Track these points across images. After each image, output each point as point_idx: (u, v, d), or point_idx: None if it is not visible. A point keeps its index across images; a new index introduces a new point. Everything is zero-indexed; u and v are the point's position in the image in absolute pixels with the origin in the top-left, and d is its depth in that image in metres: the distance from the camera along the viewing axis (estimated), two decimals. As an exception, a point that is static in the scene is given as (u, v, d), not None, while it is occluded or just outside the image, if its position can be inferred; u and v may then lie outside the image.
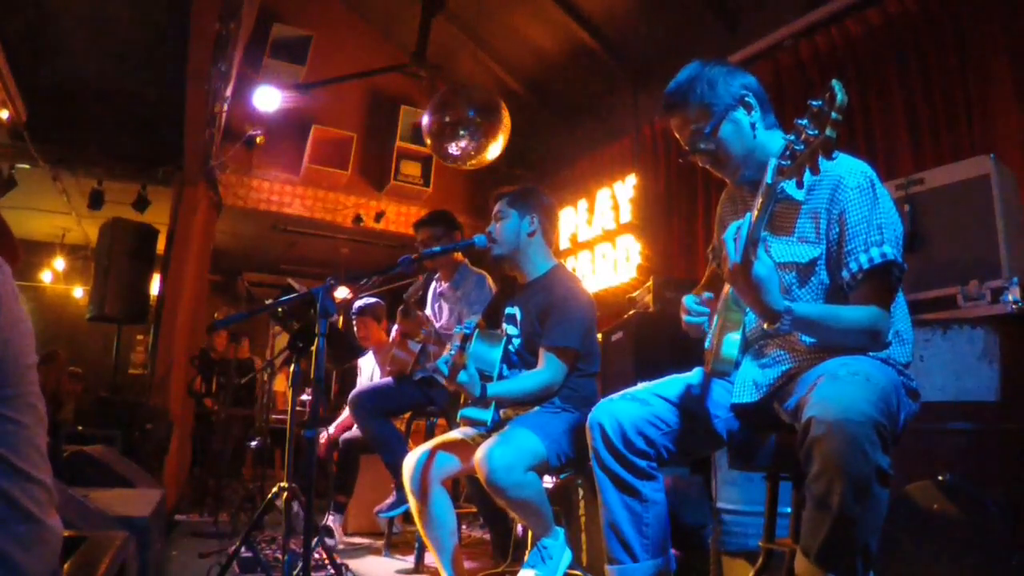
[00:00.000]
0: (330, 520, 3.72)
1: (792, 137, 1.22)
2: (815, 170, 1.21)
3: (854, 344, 1.42)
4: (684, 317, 1.66)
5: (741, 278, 1.29)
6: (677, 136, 1.67)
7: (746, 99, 1.58)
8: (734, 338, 1.50)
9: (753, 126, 1.59)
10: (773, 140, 1.57)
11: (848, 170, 1.49)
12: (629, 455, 1.53)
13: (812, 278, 1.52)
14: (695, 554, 2.25)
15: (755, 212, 1.27)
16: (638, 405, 1.58)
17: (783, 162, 1.23)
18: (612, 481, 1.55)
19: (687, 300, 1.67)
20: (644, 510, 1.53)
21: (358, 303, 4.27)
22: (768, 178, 1.25)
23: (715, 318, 1.61)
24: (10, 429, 1.04)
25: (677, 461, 1.64)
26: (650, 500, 1.54)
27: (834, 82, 1.18)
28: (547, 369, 2.23)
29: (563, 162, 6.06)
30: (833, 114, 1.16)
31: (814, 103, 1.19)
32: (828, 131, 1.16)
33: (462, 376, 2.02)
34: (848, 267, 1.45)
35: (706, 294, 1.66)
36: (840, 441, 1.19)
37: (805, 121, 1.20)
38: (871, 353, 1.45)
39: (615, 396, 1.64)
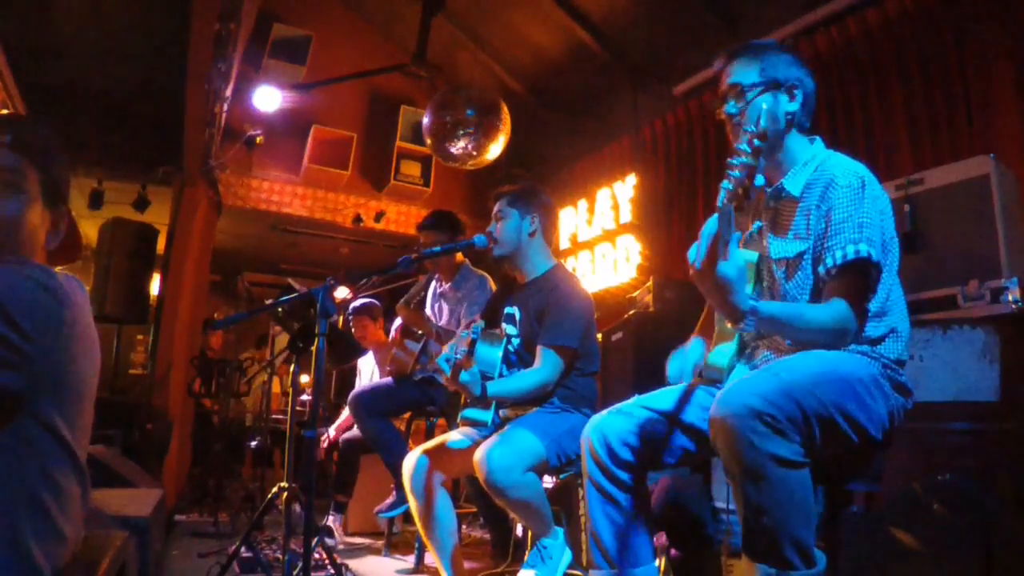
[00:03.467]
0: (330, 520, 3.72)
1: (735, 160, 1.30)
2: (747, 197, 1.30)
3: (822, 343, 1.44)
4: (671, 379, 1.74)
5: (708, 278, 1.28)
6: (725, 86, 1.67)
7: (795, 89, 1.61)
8: (725, 349, 1.54)
9: (789, 118, 1.60)
10: (799, 145, 1.63)
11: (842, 170, 1.52)
12: (613, 467, 1.56)
13: (799, 273, 1.54)
14: (695, 554, 2.25)
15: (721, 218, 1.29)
16: (623, 418, 1.61)
17: (730, 186, 1.29)
18: (597, 491, 1.58)
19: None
20: (624, 521, 1.55)
21: (354, 303, 4.28)
22: (719, 202, 1.28)
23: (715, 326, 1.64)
24: (59, 449, 1.07)
25: (671, 468, 1.65)
26: (631, 512, 1.56)
27: (762, 112, 1.37)
28: (544, 367, 2.23)
29: (563, 162, 6.06)
30: (756, 141, 1.31)
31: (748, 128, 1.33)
32: (751, 160, 1.29)
33: (464, 376, 2.02)
34: (824, 262, 1.48)
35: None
36: (725, 436, 1.27)
37: (744, 145, 1.31)
38: (855, 345, 1.48)
39: (604, 412, 1.67)
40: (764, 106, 1.56)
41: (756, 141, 1.27)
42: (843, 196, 1.48)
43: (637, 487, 1.58)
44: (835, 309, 1.42)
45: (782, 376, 1.32)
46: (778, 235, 1.59)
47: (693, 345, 1.79)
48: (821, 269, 1.48)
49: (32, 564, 1.02)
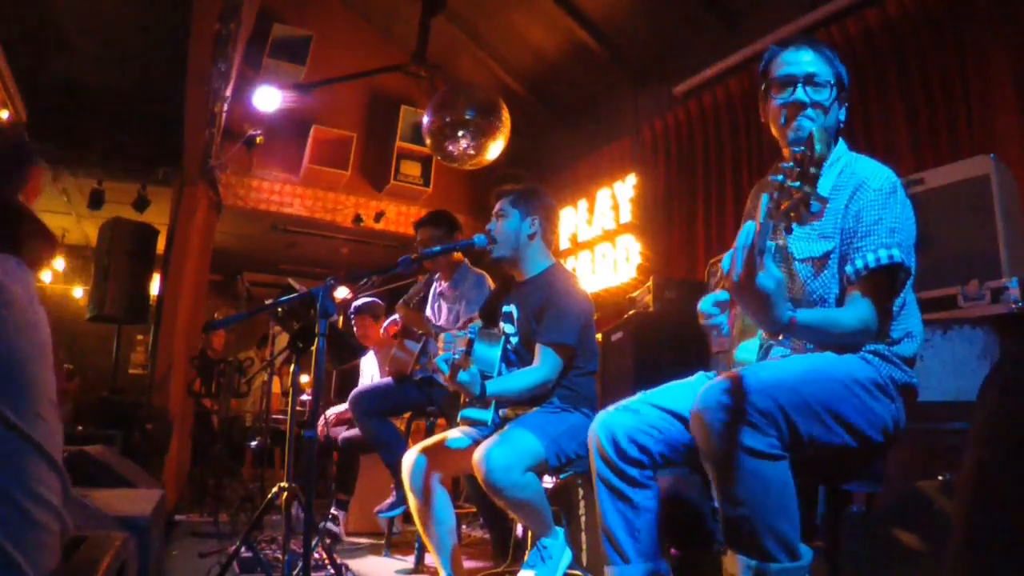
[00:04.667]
0: (330, 521, 3.72)
1: (780, 178, 1.23)
2: (800, 221, 1.24)
3: (849, 344, 1.47)
4: (701, 322, 1.70)
5: (747, 291, 1.26)
6: (798, 65, 1.63)
7: (847, 100, 1.65)
8: (751, 344, 1.54)
9: (839, 122, 1.64)
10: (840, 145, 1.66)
11: (873, 173, 1.54)
12: (621, 464, 1.58)
13: (825, 272, 1.55)
14: (695, 553, 2.25)
15: (758, 224, 1.26)
16: (630, 415, 1.62)
17: (771, 205, 1.24)
18: (606, 487, 1.60)
19: (701, 305, 1.70)
20: (635, 516, 1.57)
21: (356, 303, 4.28)
22: (761, 216, 1.26)
23: (736, 322, 1.65)
24: (15, 439, 1.06)
25: (679, 463, 1.66)
26: (641, 507, 1.58)
27: (815, 129, 1.21)
28: (543, 365, 2.23)
29: (563, 162, 6.06)
30: (812, 169, 1.18)
31: (796, 149, 1.22)
32: (807, 188, 1.19)
33: (463, 376, 2.02)
34: (854, 262, 1.48)
35: (722, 293, 1.68)
36: (700, 429, 1.31)
37: (791, 165, 1.22)
38: (871, 346, 1.49)
39: (611, 408, 1.68)
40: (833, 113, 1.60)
41: (812, 169, 1.20)
42: (874, 199, 1.50)
43: (647, 483, 1.59)
44: (861, 311, 1.44)
45: (762, 375, 1.34)
46: (801, 233, 1.60)
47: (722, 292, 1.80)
48: (849, 268, 1.49)
49: (10, 561, 1.01)
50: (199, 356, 5.43)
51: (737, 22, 4.38)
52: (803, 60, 1.60)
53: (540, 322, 2.29)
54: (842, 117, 1.65)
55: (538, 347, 2.26)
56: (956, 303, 2.10)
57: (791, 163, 1.21)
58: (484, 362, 2.24)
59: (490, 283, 3.26)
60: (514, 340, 2.39)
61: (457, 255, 3.39)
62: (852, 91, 3.45)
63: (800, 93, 1.59)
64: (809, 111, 1.58)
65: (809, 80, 1.59)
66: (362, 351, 4.32)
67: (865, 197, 1.51)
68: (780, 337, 1.38)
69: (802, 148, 1.20)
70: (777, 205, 1.23)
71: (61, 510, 1.13)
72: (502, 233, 2.41)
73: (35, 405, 1.11)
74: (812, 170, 1.19)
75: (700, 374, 1.75)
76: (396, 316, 3.51)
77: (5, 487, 1.03)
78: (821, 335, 1.44)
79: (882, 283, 1.47)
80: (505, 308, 2.45)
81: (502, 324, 2.44)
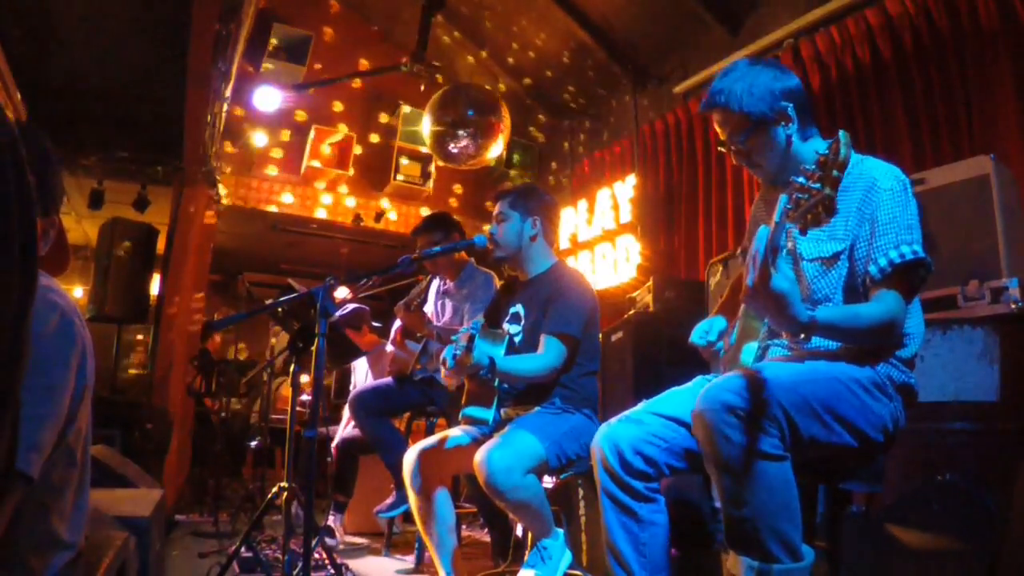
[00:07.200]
0: (330, 520, 3.71)
1: (802, 180, 1.24)
2: (817, 223, 1.25)
3: (871, 342, 1.46)
4: (702, 352, 1.74)
5: (763, 295, 1.26)
6: (717, 129, 1.69)
7: (786, 111, 1.60)
8: (753, 346, 1.54)
9: (789, 139, 1.61)
10: (807, 150, 1.61)
11: (882, 173, 1.54)
12: (626, 477, 1.56)
13: (833, 271, 1.55)
14: (695, 553, 2.25)
15: (772, 224, 1.27)
16: (633, 426, 1.61)
17: (789, 206, 1.26)
18: (611, 502, 1.58)
19: (693, 338, 1.76)
20: (641, 530, 1.56)
21: (339, 311, 4.28)
22: (776, 217, 1.27)
23: (736, 324, 1.65)
24: (70, 462, 1.07)
25: (686, 471, 1.65)
26: (647, 521, 1.56)
27: (841, 133, 1.22)
28: (547, 353, 2.23)
29: (563, 162, 6.06)
30: (835, 172, 1.21)
31: (820, 151, 1.24)
32: (827, 190, 1.22)
33: (477, 349, 2.02)
34: (876, 262, 1.47)
35: (705, 323, 1.73)
36: (703, 430, 1.32)
37: (813, 167, 1.23)
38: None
39: (613, 420, 1.67)
40: (764, 144, 1.61)
41: (835, 172, 1.21)
42: (886, 199, 1.49)
43: (652, 495, 1.57)
44: (888, 304, 1.43)
45: (763, 374, 1.34)
46: (810, 232, 1.61)
47: (717, 318, 1.82)
48: (873, 268, 1.47)
49: (25, 569, 1.01)
50: (199, 356, 5.43)
51: (737, 22, 4.38)
52: (721, 124, 1.66)
53: (546, 315, 2.30)
54: (792, 131, 1.61)
55: (543, 337, 2.26)
56: (956, 303, 2.10)
57: (813, 165, 1.22)
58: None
59: (497, 283, 3.26)
60: (518, 340, 2.39)
61: (462, 254, 3.38)
62: (852, 91, 3.49)
63: (734, 155, 1.66)
64: (746, 157, 1.64)
65: (734, 139, 1.63)
66: (360, 351, 4.32)
67: (878, 197, 1.50)
68: (801, 337, 1.36)
69: (826, 152, 1.21)
70: (796, 205, 1.23)
71: (81, 528, 1.14)
72: (504, 236, 2.42)
73: (80, 420, 1.13)
74: (835, 173, 1.19)
75: (699, 378, 1.75)
76: (397, 322, 3.51)
77: (48, 507, 1.05)
78: (844, 331, 1.43)
79: (905, 279, 1.47)
80: (512, 309, 2.46)
81: (506, 325, 2.44)
